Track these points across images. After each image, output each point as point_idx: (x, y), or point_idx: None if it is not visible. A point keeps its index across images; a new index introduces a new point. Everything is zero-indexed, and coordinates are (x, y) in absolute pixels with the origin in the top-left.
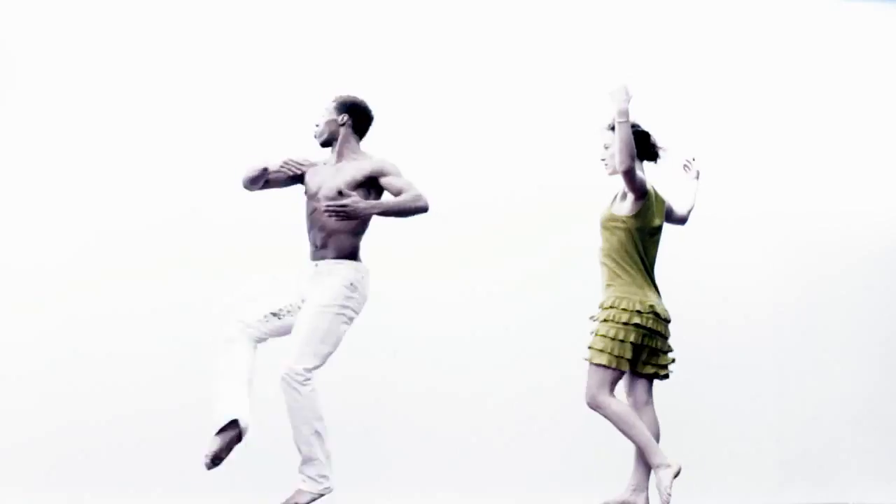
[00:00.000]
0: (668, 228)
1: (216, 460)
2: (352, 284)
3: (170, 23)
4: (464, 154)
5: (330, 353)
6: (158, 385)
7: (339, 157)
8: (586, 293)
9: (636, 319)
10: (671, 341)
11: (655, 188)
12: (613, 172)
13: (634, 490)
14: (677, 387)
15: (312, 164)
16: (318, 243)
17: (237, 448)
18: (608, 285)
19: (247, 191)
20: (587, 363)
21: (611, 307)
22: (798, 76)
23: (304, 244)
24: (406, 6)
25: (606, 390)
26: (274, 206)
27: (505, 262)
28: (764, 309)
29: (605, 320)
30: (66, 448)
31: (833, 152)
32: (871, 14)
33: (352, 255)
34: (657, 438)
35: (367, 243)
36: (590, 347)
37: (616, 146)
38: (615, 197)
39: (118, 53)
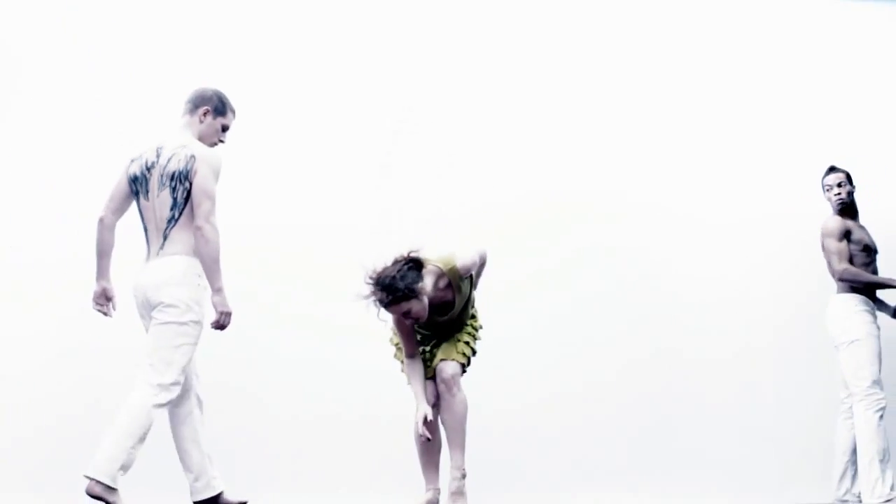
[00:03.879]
0: (671, 231)
1: None
2: None
3: (168, 24)
4: (466, 155)
5: None
6: None
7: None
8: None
9: None
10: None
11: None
12: None
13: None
14: (678, 387)
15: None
16: None
17: (233, 447)
18: None
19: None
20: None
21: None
22: (796, 77)
23: (304, 245)
24: (412, 8)
25: None
26: (273, 208)
27: (507, 262)
28: (764, 308)
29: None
30: (66, 448)
31: (833, 152)
32: (871, 14)
33: None
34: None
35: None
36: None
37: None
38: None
39: (119, 52)
